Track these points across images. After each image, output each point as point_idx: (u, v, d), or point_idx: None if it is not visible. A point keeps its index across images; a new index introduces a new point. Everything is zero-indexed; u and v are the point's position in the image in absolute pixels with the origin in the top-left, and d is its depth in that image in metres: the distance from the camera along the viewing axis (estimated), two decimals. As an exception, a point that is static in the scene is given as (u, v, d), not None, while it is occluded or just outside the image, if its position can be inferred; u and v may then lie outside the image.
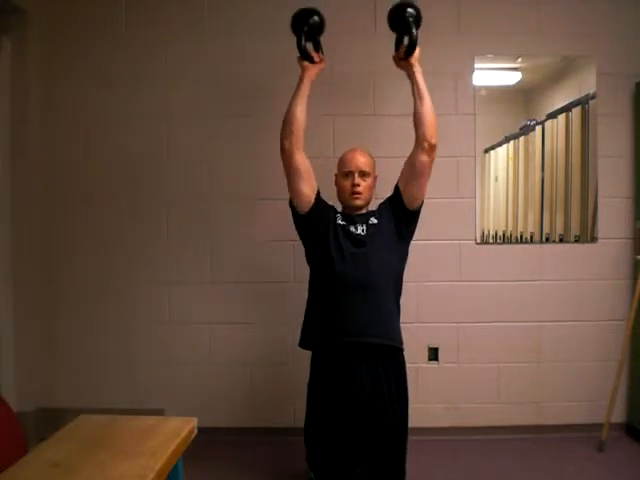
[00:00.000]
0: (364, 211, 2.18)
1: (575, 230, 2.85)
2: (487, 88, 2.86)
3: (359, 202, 2.14)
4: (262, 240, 2.82)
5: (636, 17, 2.81)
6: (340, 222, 2.11)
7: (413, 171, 2.07)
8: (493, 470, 2.47)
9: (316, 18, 2.11)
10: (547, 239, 2.85)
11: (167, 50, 2.82)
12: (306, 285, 2.19)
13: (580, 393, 2.83)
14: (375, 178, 2.21)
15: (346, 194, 2.15)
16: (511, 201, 2.87)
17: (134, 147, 2.84)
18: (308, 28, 2.09)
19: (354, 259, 2.03)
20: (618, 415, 2.77)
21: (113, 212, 2.85)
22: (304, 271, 2.24)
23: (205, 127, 2.83)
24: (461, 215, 2.83)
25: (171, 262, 2.84)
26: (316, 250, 2.13)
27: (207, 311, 2.85)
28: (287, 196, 2.16)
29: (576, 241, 2.84)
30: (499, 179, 2.88)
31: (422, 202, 2.13)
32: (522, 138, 2.85)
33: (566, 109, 2.83)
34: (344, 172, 2.16)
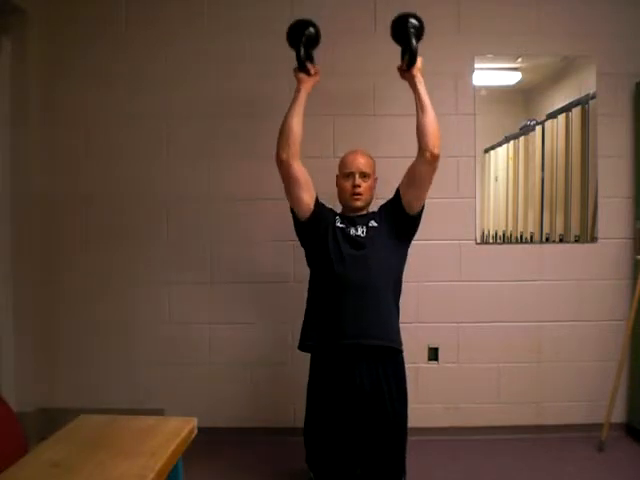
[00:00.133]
0: (364, 212, 2.18)
1: (575, 230, 2.85)
2: (487, 88, 2.86)
3: (360, 203, 2.15)
4: (262, 240, 2.82)
5: (636, 17, 2.81)
6: (339, 225, 2.12)
7: (414, 179, 2.07)
8: (493, 470, 2.47)
9: (312, 29, 2.08)
10: (547, 239, 2.85)
11: (167, 50, 2.82)
12: (306, 285, 2.19)
13: (580, 393, 2.83)
14: (375, 179, 2.22)
15: (347, 195, 2.16)
16: (511, 201, 2.87)
17: (134, 147, 2.84)
18: (305, 39, 2.06)
19: (353, 261, 2.03)
20: (618, 415, 2.77)
21: (113, 212, 2.85)
22: (304, 271, 2.24)
23: (205, 127, 2.83)
24: (461, 215, 2.83)
25: (171, 262, 2.84)
26: (316, 253, 2.14)
27: (207, 311, 2.85)
28: (287, 196, 2.16)
29: (576, 241, 2.84)
30: (499, 179, 2.88)
31: (422, 207, 2.13)
32: (522, 138, 2.85)
33: (566, 109, 2.83)
34: (345, 173, 2.17)
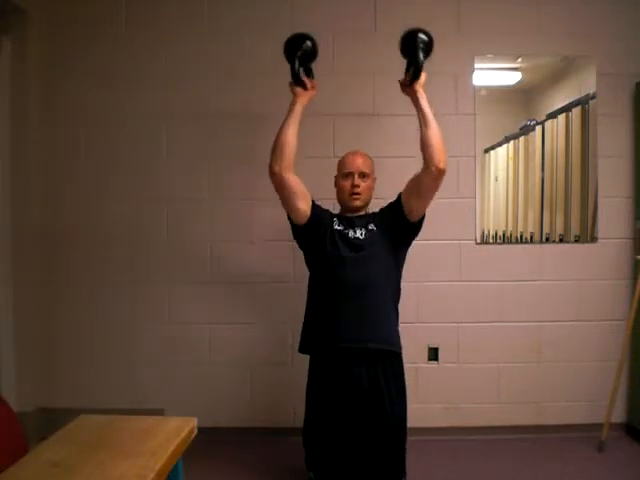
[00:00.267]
0: (363, 212, 2.19)
1: (575, 230, 2.85)
2: (487, 88, 2.86)
3: (358, 203, 2.16)
4: (262, 240, 2.82)
5: (636, 17, 2.81)
6: (337, 227, 2.12)
7: (419, 190, 2.04)
8: (493, 470, 2.47)
9: (309, 43, 2.08)
10: (547, 239, 2.85)
11: (167, 50, 2.82)
12: (306, 285, 2.19)
13: (580, 393, 2.83)
14: (374, 180, 2.22)
15: (345, 195, 2.16)
16: (511, 201, 2.87)
17: (134, 147, 2.84)
18: (301, 53, 2.06)
19: (352, 263, 2.03)
20: (618, 415, 2.77)
21: (113, 212, 2.85)
22: (304, 271, 2.24)
23: (205, 127, 2.83)
24: (461, 215, 2.83)
25: (171, 262, 2.84)
26: (315, 256, 2.14)
27: (207, 311, 2.85)
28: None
29: (576, 241, 2.84)
30: (499, 179, 2.88)
31: (423, 216, 2.11)
32: (522, 138, 2.85)
33: (566, 109, 2.83)
34: (344, 173, 2.17)
